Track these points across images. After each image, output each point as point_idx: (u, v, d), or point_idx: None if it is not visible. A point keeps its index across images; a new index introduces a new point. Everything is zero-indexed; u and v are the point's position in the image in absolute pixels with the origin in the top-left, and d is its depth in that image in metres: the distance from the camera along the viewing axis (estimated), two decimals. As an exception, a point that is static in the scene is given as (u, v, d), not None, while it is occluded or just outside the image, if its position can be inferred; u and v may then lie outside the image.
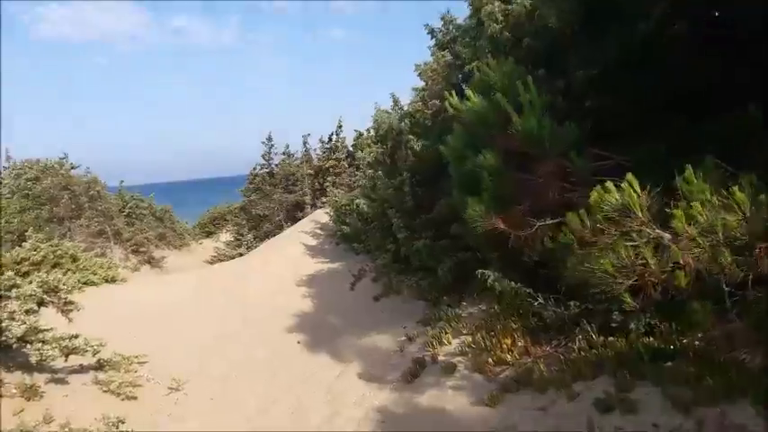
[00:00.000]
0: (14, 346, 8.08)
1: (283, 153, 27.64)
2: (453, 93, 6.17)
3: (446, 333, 9.26)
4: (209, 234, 34.78)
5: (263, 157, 27.02)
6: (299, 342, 11.69)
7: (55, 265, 19.71)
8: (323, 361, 10.60)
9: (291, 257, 17.38)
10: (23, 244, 20.45)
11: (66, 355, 8.96)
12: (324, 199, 25.92)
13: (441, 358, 8.67)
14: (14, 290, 8.66)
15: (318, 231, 18.91)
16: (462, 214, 5.72)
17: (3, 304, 8.37)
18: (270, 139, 26.83)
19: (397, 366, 9.24)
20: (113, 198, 29.70)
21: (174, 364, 11.26)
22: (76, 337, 8.89)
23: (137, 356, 11.13)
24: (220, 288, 16.31)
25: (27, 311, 8.41)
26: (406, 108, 15.08)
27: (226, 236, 31.35)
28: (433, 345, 9.17)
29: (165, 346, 12.34)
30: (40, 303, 9.10)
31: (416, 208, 12.14)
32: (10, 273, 9.24)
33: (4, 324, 7.79)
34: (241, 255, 24.46)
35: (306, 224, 20.18)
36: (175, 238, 31.39)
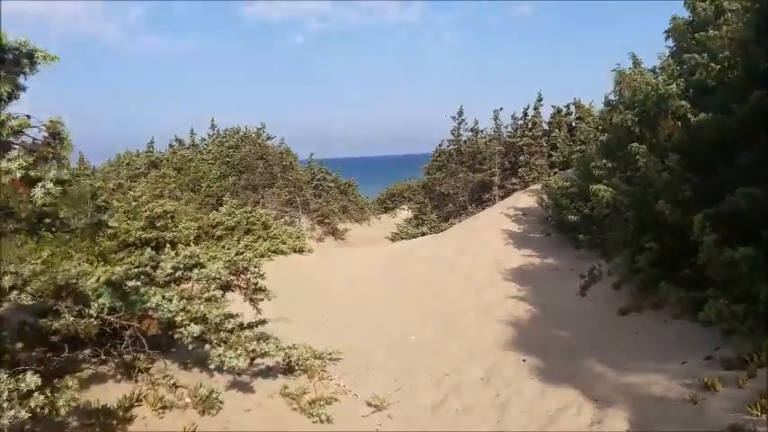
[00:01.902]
0: (190, 346, 5.80)
1: (471, 130, 24.39)
2: None
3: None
4: (386, 210, 32.98)
5: (451, 132, 23.99)
6: (524, 361, 8.48)
7: (247, 232, 18.53)
8: (566, 397, 7.27)
9: (491, 245, 14.17)
10: (220, 208, 19.64)
11: (252, 359, 6.61)
12: (513, 180, 22.41)
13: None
14: (196, 270, 6.41)
15: (522, 217, 15.44)
16: None
17: (180, 288, 6.15)
18: (461, 113, 23.68)
19: (690, 426, 5.72)
20: (303, 170, 28.79)
21: (370, 368, 8.68)
22: (266, 339, 6.44)
23: (329, 353, 8.71)
24: (413, 273, 13.61)
25: (208, 300, 6.11)
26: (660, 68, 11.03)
27: (405, 213, 29.13)
28: (758, 407, 5.46)
29: (357, 340, 9.83)
30: (226, 287, 6.82)
31: (695, 199, 8.29)
32: (192, 248, 7.04)
33: (178, 318, 5.50)
34: (423, 234, 21.87)
35: (504, 208, 16.75)
36: (357, 212, 29.93)
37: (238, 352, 5.73)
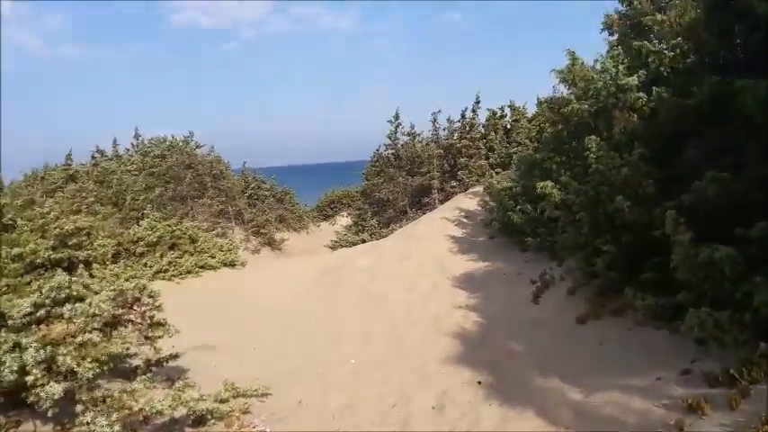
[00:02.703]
0: (50, 412, 4.23)
1: (408, 134, 23.30)
2: None
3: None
4: (326, 217, 31.47)
5: (388, 137, 22.80)
6: (479, 383, 7.30)
7: (172, 247, 16.63)
8: (531, 425, 6.16)
9: (435, 251, 13.02)
10: (141, 222, 17.66)
11: (146, 418, 5.08)
12: (453, 183, 21.48)
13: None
14: (68, 305, 4.82)
15: (464, 220, 14.39)
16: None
17: (42, 332, 4.55)
18: (397, 116, 22.54)
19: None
20: (236, 178, 26.89)
21: (304, 403, 7.28)
22: (178, 386, 4.93)
23: (255, 389, 7.27)
24: (353, 285, 12.27)
25: (81, 345, 4.56)
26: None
27: (345, 220, 27.76)
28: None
29: (289, 368, 8.40)
30: (113, 324, 5.27)
31: (658, 194, 7.41)
32: (61, 278, 5.43)
33: (30, 377, 3.94)
34: (364, 241, 20.58)
35: (445, 211, 15.66)
36: (295, 221, 28.25)
37: (113, 418, 4.21)
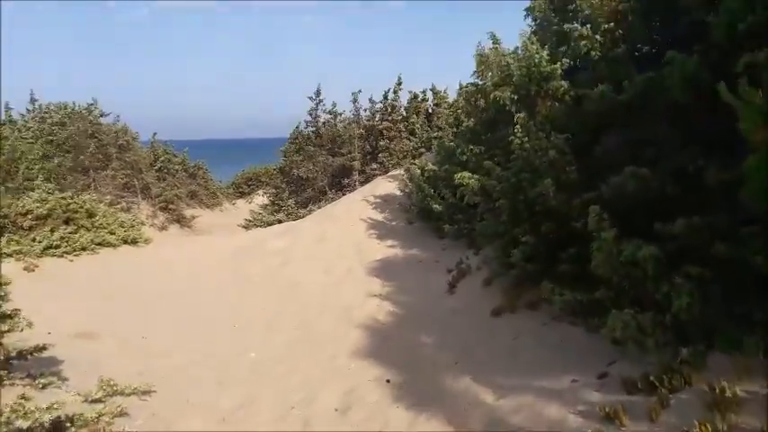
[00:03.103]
0: None
1: (329, 112, 22.31)
2: None
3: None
4: (242, 195, 29.89)
5: (309, 113, 21.72)
6: (388, 381, 6.70)
7: (67, 221, 14.91)
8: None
9: (352, 235, 12.32)
10: (30, 194, 15.71)
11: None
12: (374, 165, 20.81)
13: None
14: None
15: (383, 204, 13.74)
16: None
17: None
18: (318, 93, 21.47)
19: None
20: (145, 151, 24.76)
21: (192, 402, 6.37)
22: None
23: (135, 387, 6.30)
24: (264, 269, 11.33)
25: None
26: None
27: (261, 198, 26.42)
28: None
29: (181, 362, 7.42)
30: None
31: (580, 183, 7.06)
32: None
33: None
34: (280, 221, 19.53)
35: (365, 194, 14.94)
36: (208, 197, 26.55)
37: None
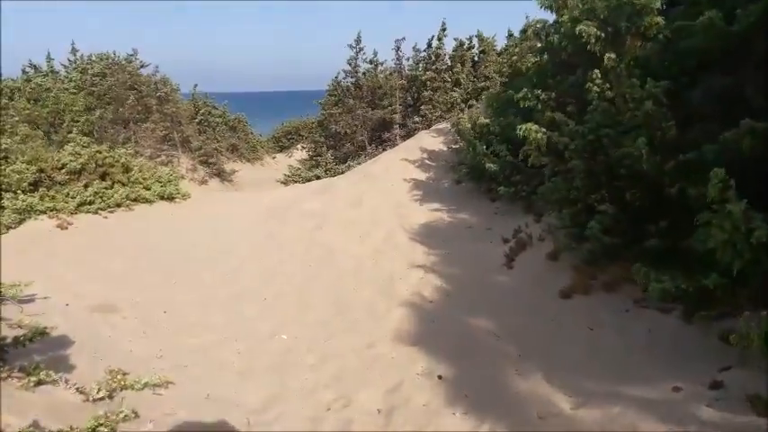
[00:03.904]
0: None
1: (370, 62, 20.54)
2: None
3: None
4: (282, 149, 28.77)
5: (348, 63, 20.03)
6: (440, 378, 5.47)
7: (103, 176, 14.07)
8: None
9: (393, 196, 10.96)
10: (65, 147, 14.89)
11: None
12: (416, 118, 19.16)
13: None
14: None
15: (427, 162, 12.24)
16: None
17: None
18: (358, 41, 19.68)
19: None
20: (185, 103, 23.72)
21: (212, 398, 5.30)
22: None
23: (146, 381, 5.26)
24: (298, 233, 10.15)
25: None
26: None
27: (300, 153, 25.22)
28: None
29: (204, 344, 6.38)
30: None
31: (678, 140, 5.46)
32: None
33: None
34: (318, 177, 18.32)
35: (406, 150, 13.40)
36: (248, 151, 25.54)
37: None
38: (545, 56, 8.29)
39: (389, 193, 11.07)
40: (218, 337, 6.45)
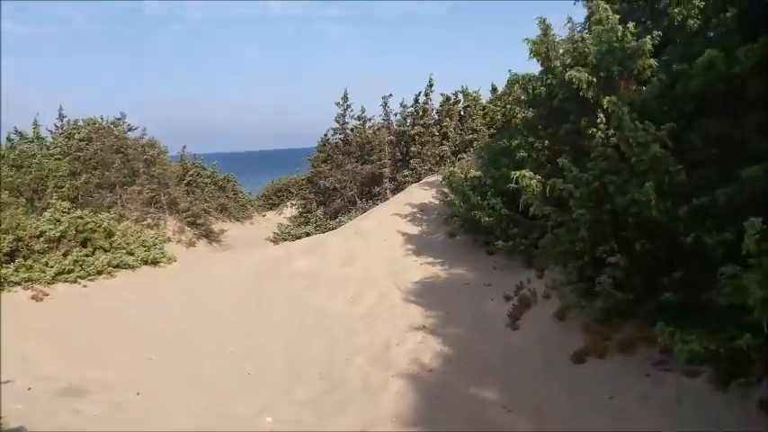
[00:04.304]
0: None
1: (358, 118, 20.45)
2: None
3: None
4: (272, 206, 28.37)
5: (336, 120, 19.91)
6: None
7: (84, 242, 13.43)
8: None
9: (385, 251, 10.41)
10: (44, 214, 14.30)
11: None
12: (405, 172, 18.87)
13: None
14: None
15: (419, 215, 11.77)
16: None
17: None
18: (345, 98, 19.64)
19: None
20: (173, 165, 23.40)
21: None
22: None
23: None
24: (286, 295, 9.50)
25: None
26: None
27: (290, 210, 24.79)
28: None
29: (180, 427, 5.61)
30: None
31: (687, 185, 5.02)
32: None
33: None
34: (308, 234, 17.78)
35: (397, 204, 12.96)
36: (238, 210, 25.08)
37: None
38: (530, 111, 8.00)
39: (382, 249, 10.51)
40: (194, 421, 5.69)
